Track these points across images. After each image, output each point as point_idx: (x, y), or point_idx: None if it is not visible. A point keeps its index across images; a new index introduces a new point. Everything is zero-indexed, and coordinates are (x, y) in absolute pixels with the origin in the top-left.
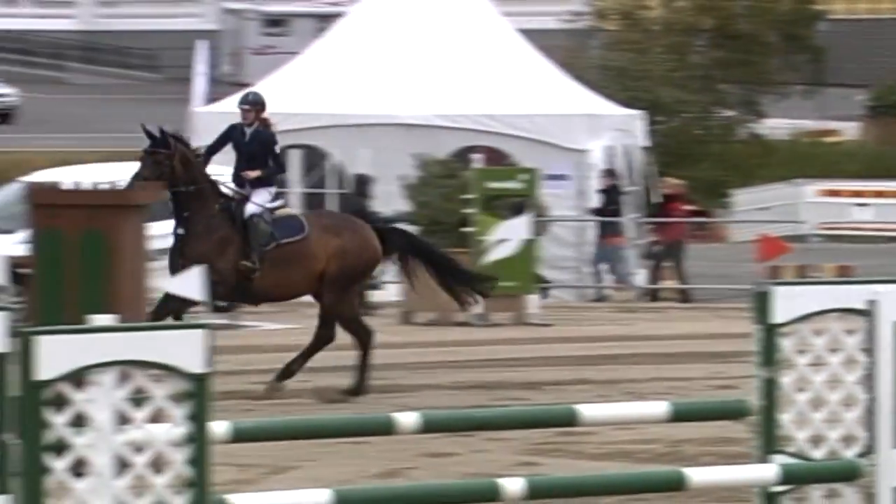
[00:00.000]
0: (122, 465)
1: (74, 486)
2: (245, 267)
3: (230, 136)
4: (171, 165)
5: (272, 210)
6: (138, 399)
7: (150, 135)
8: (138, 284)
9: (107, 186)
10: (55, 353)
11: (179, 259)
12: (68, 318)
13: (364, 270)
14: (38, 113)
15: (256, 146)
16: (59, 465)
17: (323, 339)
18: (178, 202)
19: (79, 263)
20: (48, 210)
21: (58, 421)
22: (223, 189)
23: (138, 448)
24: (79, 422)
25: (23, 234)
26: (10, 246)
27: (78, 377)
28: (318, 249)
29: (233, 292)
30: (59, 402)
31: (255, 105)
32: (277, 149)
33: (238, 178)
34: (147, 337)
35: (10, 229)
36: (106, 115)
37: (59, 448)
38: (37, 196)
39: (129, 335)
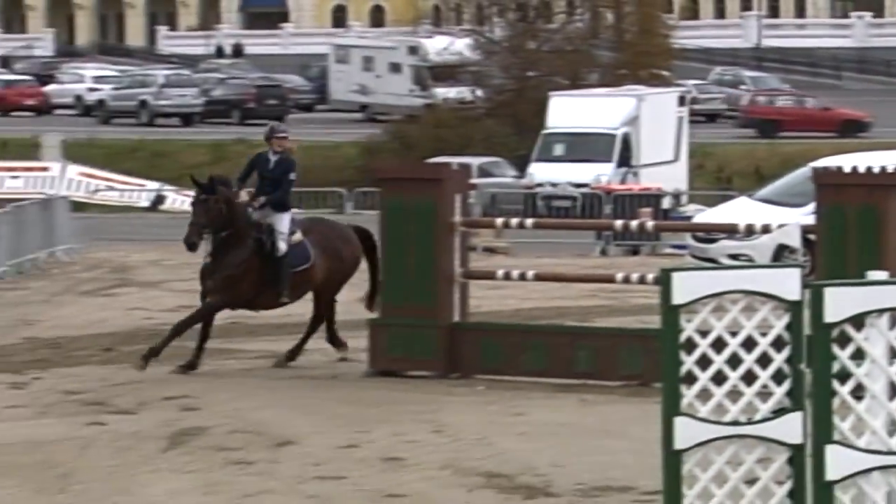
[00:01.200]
0: (894, 391)
1: (854, 406)
2: (283, 303)
3: (256, 164)
4: (219, 209)
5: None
6: None
7: (197, 183)
8: None
9: (881, 169)
10: (839, 302)
11: (208, 279)
12: (848, 274)
13: (353, 272)
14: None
15: (280, 172)
16: (843, 389)
17: (320, 320)
18: (222, 239)
19: (856, 232)
20: (832, 188)
21: (842, 354)
22: (254, 218)
23: None
24: (858, 355)
25: (810, 208)
26: (801, 217)
27: (858, 320)
28: (320, 273)
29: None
30: (843, 340)
31: (286, 134)
32: (293, 175)
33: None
34: None
35: (800, 203)
36: (876, 114)
37: (843, 376)
38: (822, 177)
39: None
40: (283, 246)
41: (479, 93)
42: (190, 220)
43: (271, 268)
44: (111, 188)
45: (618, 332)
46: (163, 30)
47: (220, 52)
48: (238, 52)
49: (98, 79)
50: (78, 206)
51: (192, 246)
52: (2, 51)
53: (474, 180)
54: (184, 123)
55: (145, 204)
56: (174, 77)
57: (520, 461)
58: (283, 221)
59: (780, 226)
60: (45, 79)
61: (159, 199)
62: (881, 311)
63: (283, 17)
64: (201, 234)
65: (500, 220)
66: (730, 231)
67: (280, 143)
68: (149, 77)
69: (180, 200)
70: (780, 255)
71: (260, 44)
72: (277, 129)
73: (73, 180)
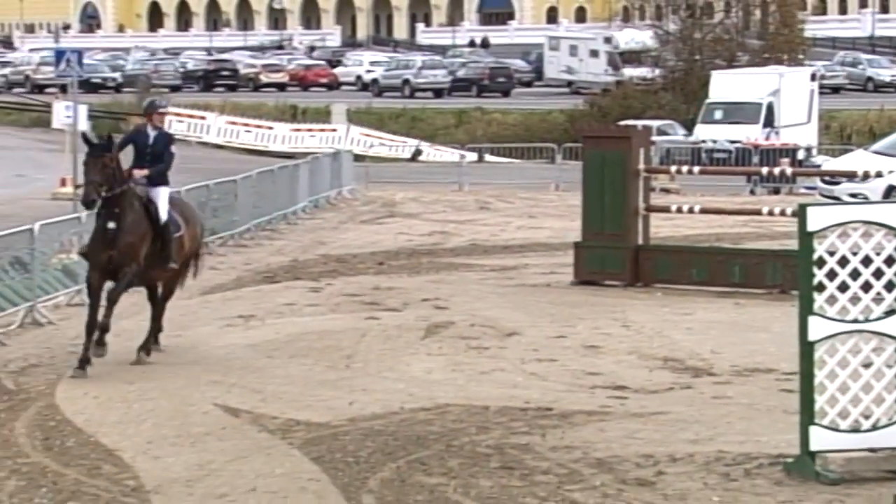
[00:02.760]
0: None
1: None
2: (172, 269)
3: (135, 139)
4: (112, 168)
5: None
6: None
7: (89, 142)
8: None
9: None
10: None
11: (111, 250)
12: None
13: (199, 250)
14: None
15: (162, 146)
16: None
17: (165, 300)
18: (111, 200)
19: None
20: None
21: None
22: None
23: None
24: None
25: None
26: None
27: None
28: (187, 241)
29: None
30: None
31: (166, 110)
32: (174, 148)
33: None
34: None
35: None
36: None
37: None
38: None
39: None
40: (164, 216)
41: (657, 72)
42: (85, 178)
43: (159, 235)
44: (382, 144)
45: (764, 252)
46: (420, 26)
47: (472, 44)
48: (485, 44)
49: (373, 63)
50: (358, 158)
51: (90, 204)
52: (306, 41)
53: (654, 138)
54: (435, 96)
55: (406, 155)
56: (429, 61)
57: (688, 349)
58: (164, 194)
59: (890, 171)
60: (335, 63)
61: (417, 152)
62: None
63: (510, 15)
64: (99, 191)
65: (673, 168)
66: (850, 176)
67: (160, 119)
68: (410, 61)
69: (433, 153)
70: (890, 193)
71: (493, 35)
72: (158, 105)
73: (355, 138)
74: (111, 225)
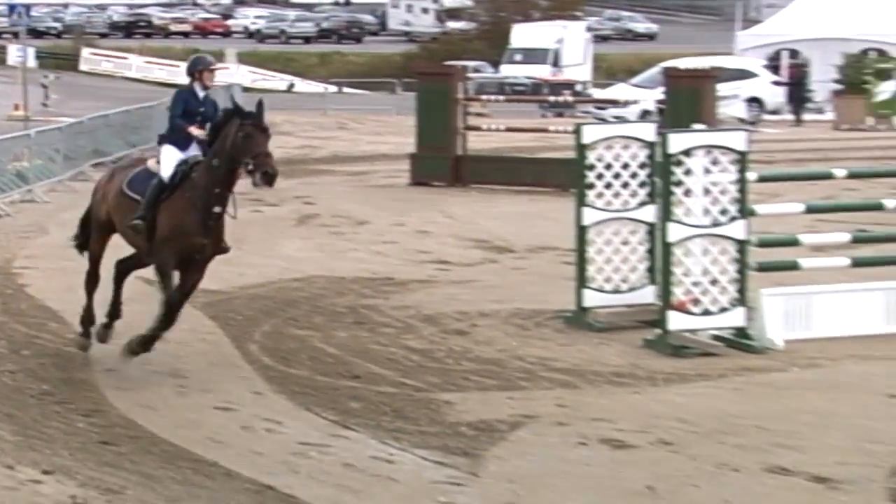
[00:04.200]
0: (706, 192)
1: (684, 200)
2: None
3: (186, 101)
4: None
5: None
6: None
7: (240, 110)
8: None
9: (701, 68)
10: (676, 141)
11: (206, 238)
12: (681, 126)
13: None
14: None
15: (212, 110)
16: (678, 190)
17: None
18: (228, 178)
19: (685, 102)
20: (673, 78)
21: (678, 171)
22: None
23: (714, 184)
24: (687, 173)
25: (661, 89)
26: (656, 94)
27: (687, 152)
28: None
29: None
30: (678, 163)
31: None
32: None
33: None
34: (719, 136)
35: (655, 86)
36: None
37: (677, 183)
38: (668, 71)
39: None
40: None
41: (473, 25)
42: (258, 151)
43: None
44: (264, 79)
45: (550, 160)
46: None
47: (336, 3)
48: (348, 2)
49: (257, 17)
50: (246, 90)
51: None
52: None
53: (470, 75)
54: (305, 42)
55: (283, 88)
56: (300, 15)
57: (494, 233)
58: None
59: (644, 100)
60: (228, 16)
61: (291, 86)
62: (700, 147)
63: None
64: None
65: (484, 97)
66: (614, 103)
67: (210, 77)
68: (285, 15)
69: (303, 86)
70: (644, 116)
71: None
72: (208, 62)
73: (243, 74)
74: (217, 209)
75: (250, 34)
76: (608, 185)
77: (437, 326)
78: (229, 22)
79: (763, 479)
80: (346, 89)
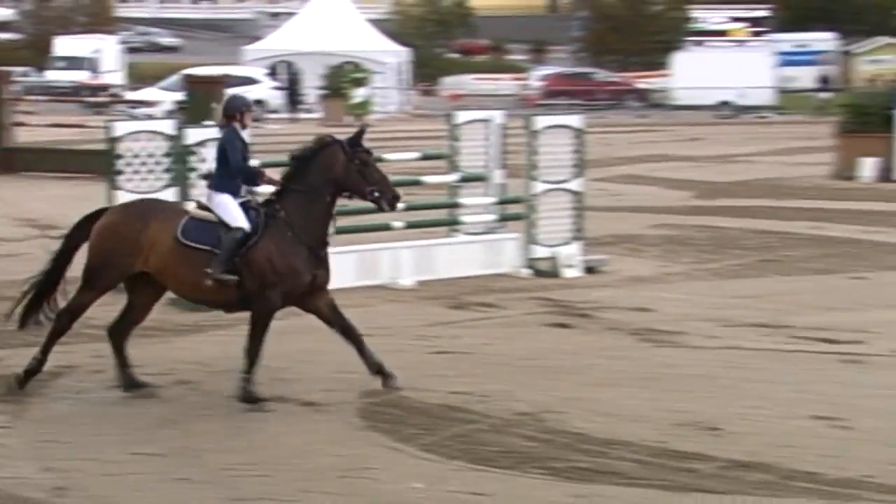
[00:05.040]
0: (150, 170)
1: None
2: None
3: (242, 142)
4: None
5: None
6: None
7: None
8: None
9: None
10: (197, 135)
11: (318, 269)
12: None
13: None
14: None
15: (247, 151)
16: (191, 175)
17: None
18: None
19: (201, 104)
20: (193, 83)
21: (191, 159)
22: None
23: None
24: (199, 161)
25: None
26: (176, 96)
27: (200, 144)
28: None
29: None
30: (192, 153)
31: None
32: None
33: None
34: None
35: (176, 90)
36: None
37: (192, 169)
38: (189, 77)
39: None
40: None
41: (20, 36)
42: (384, 183)
43: None
44: None
45: (91, 151)
46: None
47: None
48: None
49: None
50: None
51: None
52: None
53: (17, 78)
54: None
55: None
56: None
57: (41, 212)
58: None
59: (165, 101)
60: None
61: None
62: (207, 140)
63: None
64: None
65: (31, 98)
66: (144, 103)
67: (250, 118)
68: None
69: None
70: (170, 114)
71: None
72: (248, 103)
73: None
74: (327, 239)
75: None
76: (136, 172)
77: None
78: None
79: (266, 407)
80: None
